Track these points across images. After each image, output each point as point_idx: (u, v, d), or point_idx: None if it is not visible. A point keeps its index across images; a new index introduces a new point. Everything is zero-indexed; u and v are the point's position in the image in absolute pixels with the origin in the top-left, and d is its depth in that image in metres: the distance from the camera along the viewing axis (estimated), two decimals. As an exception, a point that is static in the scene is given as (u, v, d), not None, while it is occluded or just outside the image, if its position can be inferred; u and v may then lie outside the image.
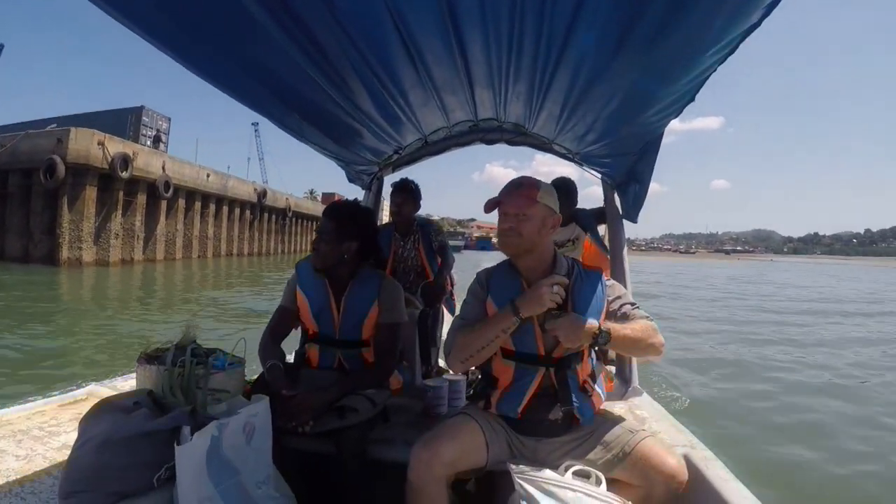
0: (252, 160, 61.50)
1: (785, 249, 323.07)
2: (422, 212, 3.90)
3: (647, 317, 1.82)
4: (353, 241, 2.15)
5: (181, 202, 27.90)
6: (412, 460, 1.63)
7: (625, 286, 2.67)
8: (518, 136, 2.96)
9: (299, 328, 2.34)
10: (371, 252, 2.29)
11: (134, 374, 2.87)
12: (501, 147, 3.19)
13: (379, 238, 3.44)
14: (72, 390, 2.93)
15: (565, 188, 3.56)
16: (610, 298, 1.83)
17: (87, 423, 1.57)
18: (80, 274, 19.52)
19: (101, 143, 22.28)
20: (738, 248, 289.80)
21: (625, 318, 1.80)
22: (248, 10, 1.31)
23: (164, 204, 26.24)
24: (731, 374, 7.45)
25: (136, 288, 17.60)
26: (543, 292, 1.66)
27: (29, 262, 21.19)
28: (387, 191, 3.82)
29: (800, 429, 5.32)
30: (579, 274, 1.82)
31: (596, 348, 1.78)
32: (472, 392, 1.98)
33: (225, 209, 32.87)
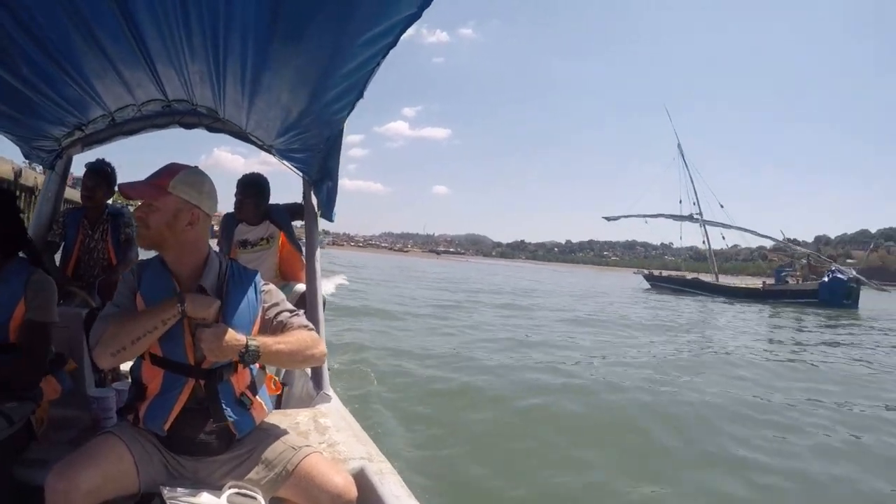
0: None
1: (493, 253, 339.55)
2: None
3: (307, 325, 1.78)
4: None
5: None
6: (47, 492, 1.43)
7: (316, 287, 2.74)
8: (215, 121, 2.85)
9: None
10: (16, 244, 2.00)
11: None
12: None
13: (64, 223, 3.26)
14: None
15: (255, 184, 3.44)
16: (266, 305, 1.77)
17: None
18: None
19: None
20: (452, 249, 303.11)
21: (281, 326, 1.74)
22: None
23: None
24: (433, 373, 7.38)
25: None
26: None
27: None
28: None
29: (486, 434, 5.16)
30: (233, 276, 1.73)
31: (243, 364, 1.67)
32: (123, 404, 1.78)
33: None
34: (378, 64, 1.52)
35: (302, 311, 1.86)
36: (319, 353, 1.77)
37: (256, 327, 1.73)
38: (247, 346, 1.58)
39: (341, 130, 2.25)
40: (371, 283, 23.96)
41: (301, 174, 3.03)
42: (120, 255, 3.43)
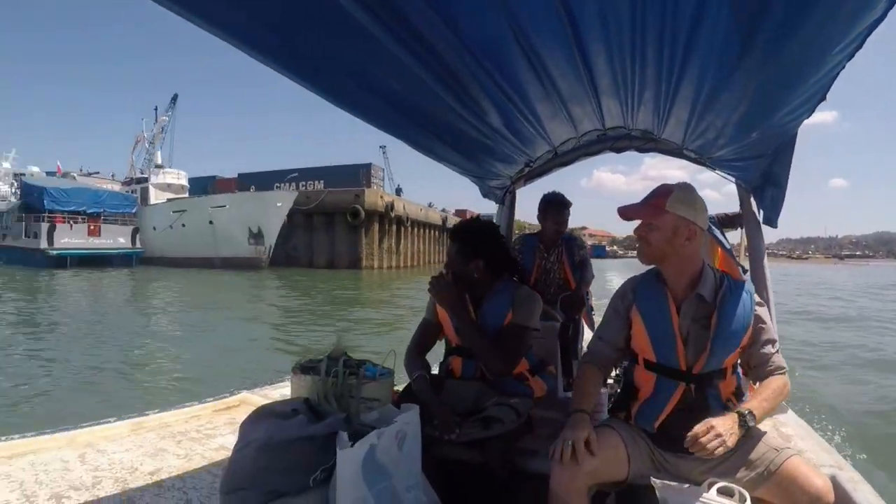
0: (384, 179, 59.75)
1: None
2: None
3: (783, 368, 1.75)
4: (478, 259, 2.17)
5: (409, 229, 43.93)
6: (553, 472, 1.62)
7: (767, 295, 2.62)
8: (647, 142, 2.91)
9: (443, 340, 2.36)
10: (503, 266, 2.28)
11: (283, 383, 3.35)
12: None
13: (521, 249, 3.57)
14: (225, 396, 3.21)
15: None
16: (756, 320, 1.74)
17: (248, 426, 1.67)
18: (372, 274, 33.60)
19: (381, 197, 39.04)
20: (858, 252, 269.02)
21: (762, 360, 1.74)
22: (375, 37, 1.34)
23: (403, 230, 42.62)
24: (881, 390, 6.82)
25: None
26: (564, 439, 1.63)
27: (334, 268, 35.47)
28: (525, 203, 3.79)
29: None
30: (729, 287, 1.75)
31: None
32: (613, 403, 1.96)
33: (426, 231, 49.32)
34: (843, 66, 1.42)
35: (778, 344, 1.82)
36: (786, 395, 1.77)
37: (746, 338, 1.73)
38: (745, 421, 1.63)
39: (795, 134, 2.13)
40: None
41: (735, 181, 2.95)
42: (577, 275, 3.68)
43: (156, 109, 46.93)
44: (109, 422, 2.88)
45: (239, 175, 50.85)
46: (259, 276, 28.42)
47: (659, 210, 1.71)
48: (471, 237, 2.22)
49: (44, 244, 31.53)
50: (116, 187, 42.24)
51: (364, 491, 1.54)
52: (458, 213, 62.55)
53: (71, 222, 32.82)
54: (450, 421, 1.96)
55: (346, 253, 37.85)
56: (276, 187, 43.07)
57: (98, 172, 47.72)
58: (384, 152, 65.00)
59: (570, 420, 1.70)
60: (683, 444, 1.64)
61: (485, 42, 1.52)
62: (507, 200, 3.58)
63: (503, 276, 2.27)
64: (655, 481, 1.66)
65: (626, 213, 1.79)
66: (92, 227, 33.90)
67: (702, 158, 2.80)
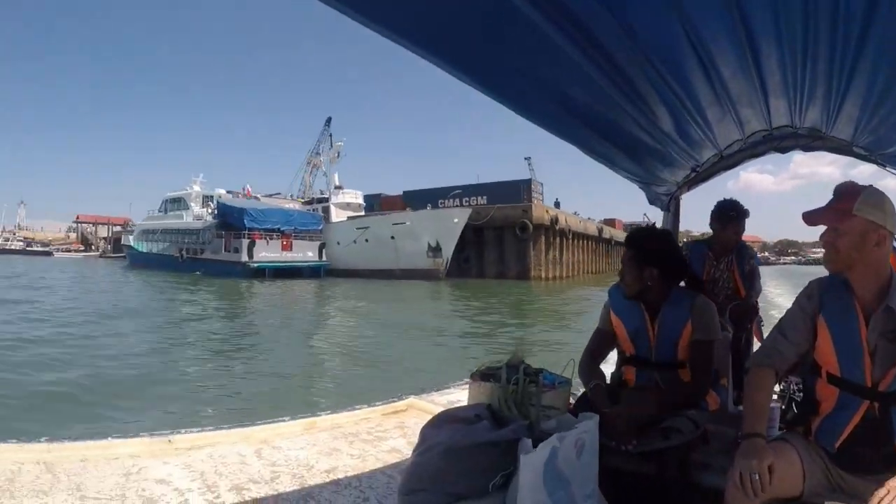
0: (542, 193, 56.28)
1: None
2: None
3: None
4: (652, 268, 2.14)
5: (570, 240, 44.23)
6: (730, 490, 1.56)
7: None
8: (814, 140, 2.79)
9: (615, 350, 2.36)
10: (678, 274, 2.25)
11: (448, 390, 3.55)
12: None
13: (690, 257, 3.39)
14: (393, 401, 3.36)
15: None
16: None
17: (429, 431, 1.72)
18: (539, 284, 35.02)
19: (547, 211, 40.47)
20: None
21: None
22: (553, 41, 1.35)
23: (565, 242, 43.09)
24: None
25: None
26: (735, 476, 1.52)
27: (503, 279, 36.74)
28: (686, 209, 3.63)
29: None
30: None
31: None
32: (791, 415, 1.84)
33: (584, 242, 49.11)
34: None
35: None
36: None
37: None
38: None
39: None
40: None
41: None
42: (747, 284, 3.53)
43: (331, 136, 50.17)
44: (283, 420, 3.08)
45: (404, 192, 52.77)
46: (437, 285, 30.57)
47: (846, 214, 1.59)
48: (645, 245, 2.20)
49: (244, 258, 34.71)
50: (297, 206, 45.62)
51: (544, 496, 1.55)
52: (607, 221, 64.04)
53: (267, 238, 35.96)
54: (628, 431, 1.93)
55: (514, 264, 39.22)
56: (440, 203, 45.54)
57: (279, 193, 51.68)
58: (529, 164, 64.30)
59: (748, 446, 1.59)
60: (861, 460, 1.58)
61: (659, 45, 1.51)
62: (672, 207, 3.49)
63: (677, 284, 2.25)
64: None
65: (811, 218, 1.68)
66: (285, 243, 36.89)
67: (872, 155, 2.66)
